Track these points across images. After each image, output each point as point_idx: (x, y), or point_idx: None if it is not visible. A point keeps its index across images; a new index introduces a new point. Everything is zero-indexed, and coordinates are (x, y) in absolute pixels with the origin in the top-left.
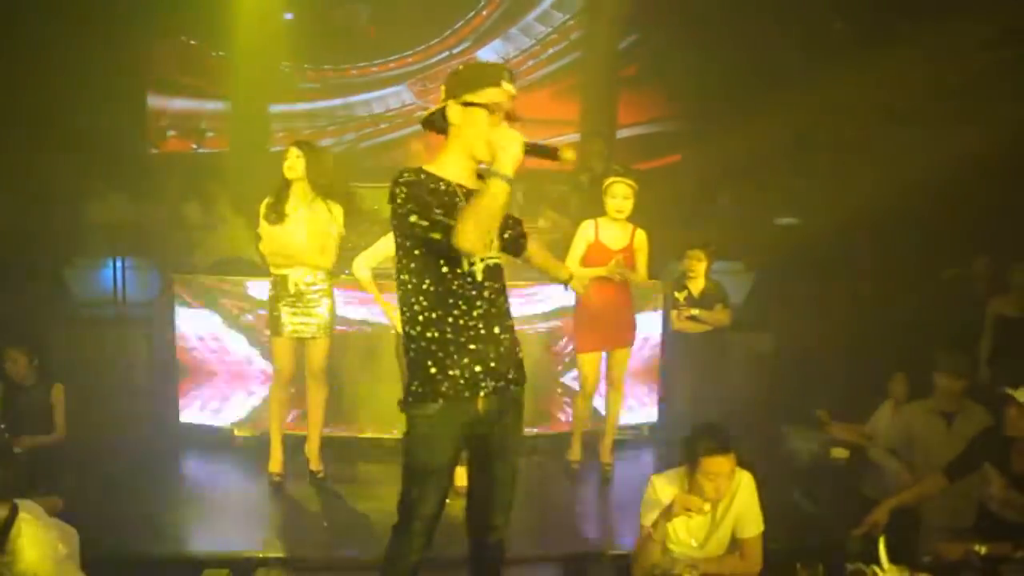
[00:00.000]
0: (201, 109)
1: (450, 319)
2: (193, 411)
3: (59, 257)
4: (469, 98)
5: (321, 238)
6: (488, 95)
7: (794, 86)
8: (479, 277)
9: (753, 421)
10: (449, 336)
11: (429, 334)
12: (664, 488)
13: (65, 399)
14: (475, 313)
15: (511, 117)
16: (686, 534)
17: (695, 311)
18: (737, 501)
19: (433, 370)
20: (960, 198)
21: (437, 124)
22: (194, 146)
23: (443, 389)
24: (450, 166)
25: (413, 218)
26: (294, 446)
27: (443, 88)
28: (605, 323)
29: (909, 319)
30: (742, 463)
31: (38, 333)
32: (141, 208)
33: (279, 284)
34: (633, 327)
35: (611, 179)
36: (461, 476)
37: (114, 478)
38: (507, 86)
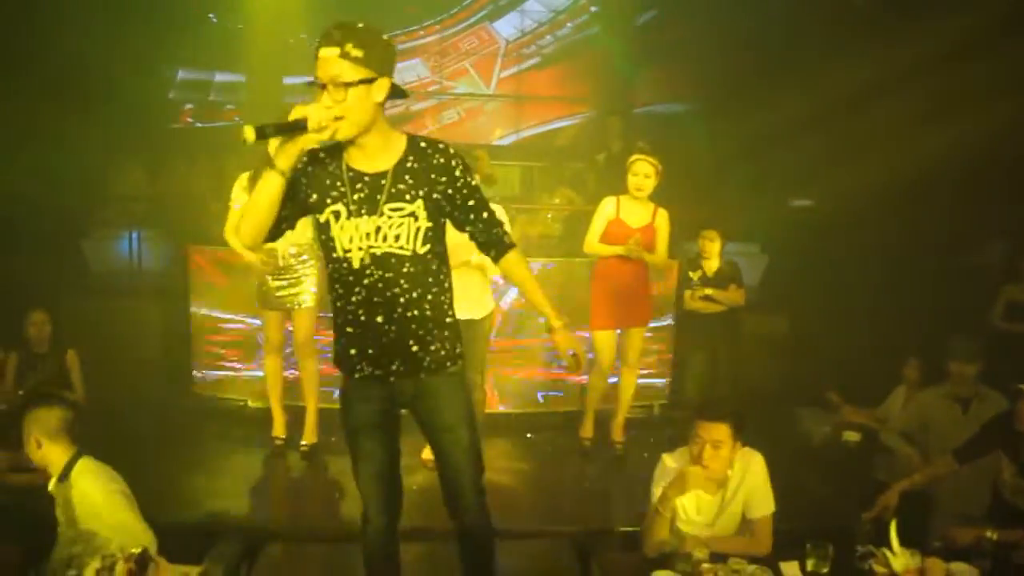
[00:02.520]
0: (217, 81)
1: (335, 301)
2: (206, 382)
3: (76, 228)
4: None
5: None
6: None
7: (813, 65)
8: (355, 264)
9: (765, 402)
10: (334, 315)
11: (333, 303)
12: (673, 466)
13: (80, 364)
14: (352, 299)
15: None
16: (696, 513)
17: (709, 291)
18: (747, 481)
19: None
20: (978, 183)
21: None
22: (218, 121)
23: (336, 359)
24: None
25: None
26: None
27: (367, 56)
28: (621, 301)
29: (923, 304)
30: (752, 443)
31: (53, 302)
32: (158, 180)
33: (268, 255)
34: (650, 306)
35: (634, 156)
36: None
37: (127, 448)
38: (325, 52)
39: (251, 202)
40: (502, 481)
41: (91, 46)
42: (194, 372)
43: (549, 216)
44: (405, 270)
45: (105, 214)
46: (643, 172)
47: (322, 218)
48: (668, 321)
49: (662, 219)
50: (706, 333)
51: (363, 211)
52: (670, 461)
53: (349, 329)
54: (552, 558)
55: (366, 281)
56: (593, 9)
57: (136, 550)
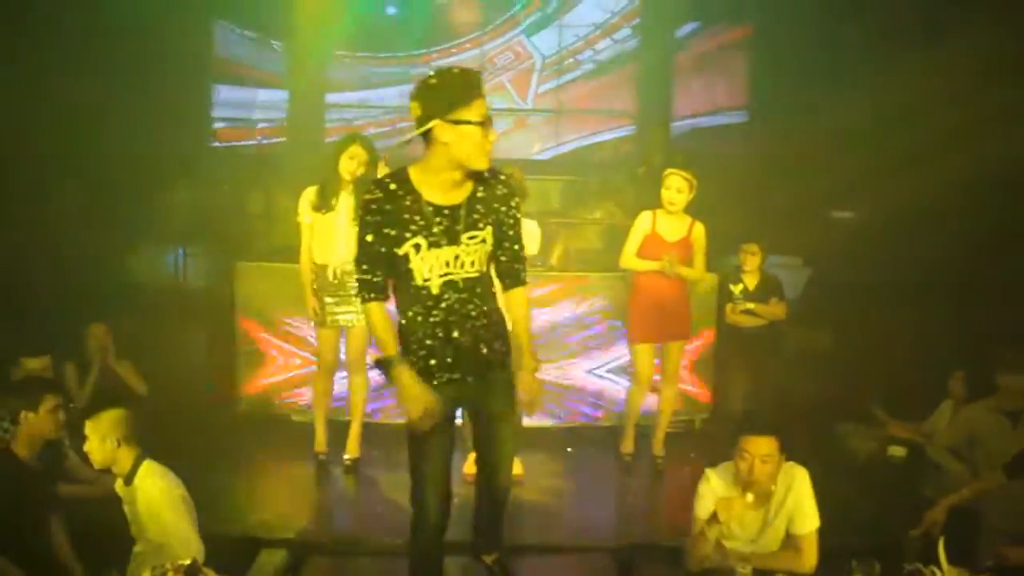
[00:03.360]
0: (259, 99)
1: (410, 321)
2: (252, 397)
3: (123, 244)
4: (458, 116)
5: None
6: (477, 108)
7: (857, 75)
8: (434, 291)
9: (809, 417)
10: (407, 333)
11: (401, 320)
12: (717, 481)
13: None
14: (431, 319)
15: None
16: (739, 528)
17: (750, 304)
18: (791, 496)
19: (403, 348)
20: None
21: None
22: (258, 138)
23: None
24: (429, 178)
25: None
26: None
27: (418, 105)
28: (660, 315)
29: (970, 316)
30: (796, 459)
31: (104, 316)
32: (203, 197)
33: (320, 274)
34: (689, 320)
35: (668, 170)
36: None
37: (174, 459)
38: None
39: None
40: (543, 496)
41: (135, 61)
42: (239, 386)
43: (590, 230)
44: (477, 290)
45: (151, 230)
46: (675, 186)
47: (401, 251)
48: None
49: (699, 233)
50: (748, 347)
51: (443, 242)
52: (714, 476)
53: (429, 342)
54: (594, 573)
55: (444, 304)
56: (634, 21)
57: (186, 561)
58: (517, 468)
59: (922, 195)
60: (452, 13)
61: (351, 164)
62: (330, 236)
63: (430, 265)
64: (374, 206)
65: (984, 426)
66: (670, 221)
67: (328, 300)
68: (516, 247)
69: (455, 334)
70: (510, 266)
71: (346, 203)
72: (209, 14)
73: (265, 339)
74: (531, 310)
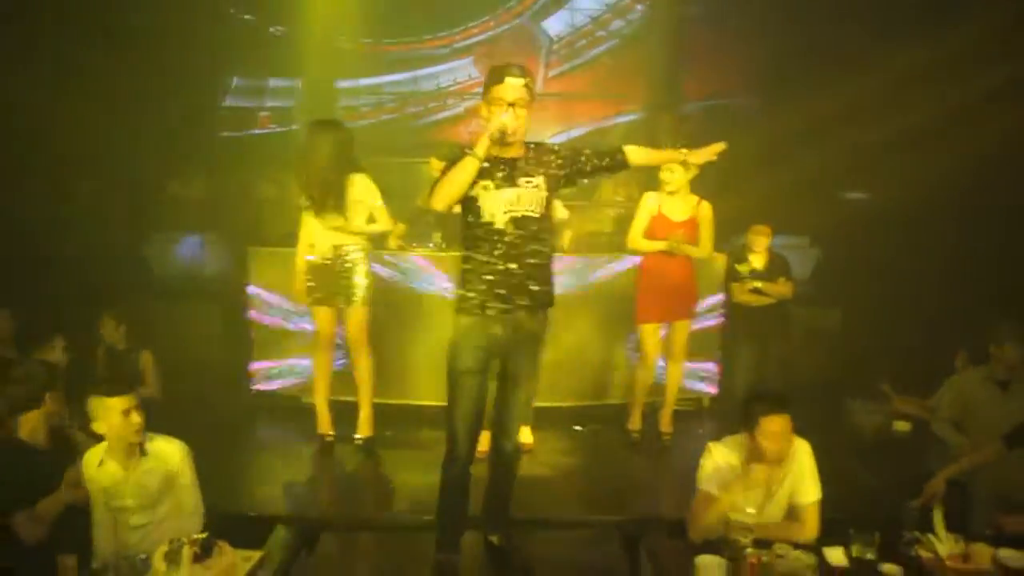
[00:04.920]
0: (269, 87)
1: (475, 257)
2: (265, 379)
3: (138, 233)
4: (488, 96)
5: (364, 208)
6: (501, 91)
7: (866, 54)
8: (498, 225)
9: (815, 394)
10: (470, 270)
11: (465, 265)
12: (721, 454)
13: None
14: (495, 253)
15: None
16: (743, 500)
17: (758, 283)
18: (795, 468)
19: (460, 291)
20: None
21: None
22: (272, 126)
23: (464, 304)
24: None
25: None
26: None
27: (533, 89)
28: (666, 295)
29: (978, 294)
30: (800, 432)
31: (120, 304)
32: (215, 185)
33: (312, 257)
34: (695, 299)
35: None
36: (484, 441)
37: (189, 439)
38: (512, 80)
39: (450, 180)
40: (550, 472)
41: (148, 52)
42: (251, 368)
43: (603, 214)
44: (533, 228)
45: (165, 218)
46: (667, 166)
47: (472, 192)
48: (717, 315)
49: (705, 212)
50: (755, 326)
51: (504, 184)
52: (717, 449)
53: (488, 276)
54: (600, 546)
55: (507, 238)
56: (639, 7)
57: (202, 535)
58: (527, 436)
59: (930, 176)
60: None
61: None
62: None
63: (496, 203)
64: (454, 157)
65: (976, 395)
66: (676, 201)
67: (317, 278)
68: (588, 151)
69: (511, 266)
70: (607, 155)
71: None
72: (220, 3)
73: (276, 322)
74: None
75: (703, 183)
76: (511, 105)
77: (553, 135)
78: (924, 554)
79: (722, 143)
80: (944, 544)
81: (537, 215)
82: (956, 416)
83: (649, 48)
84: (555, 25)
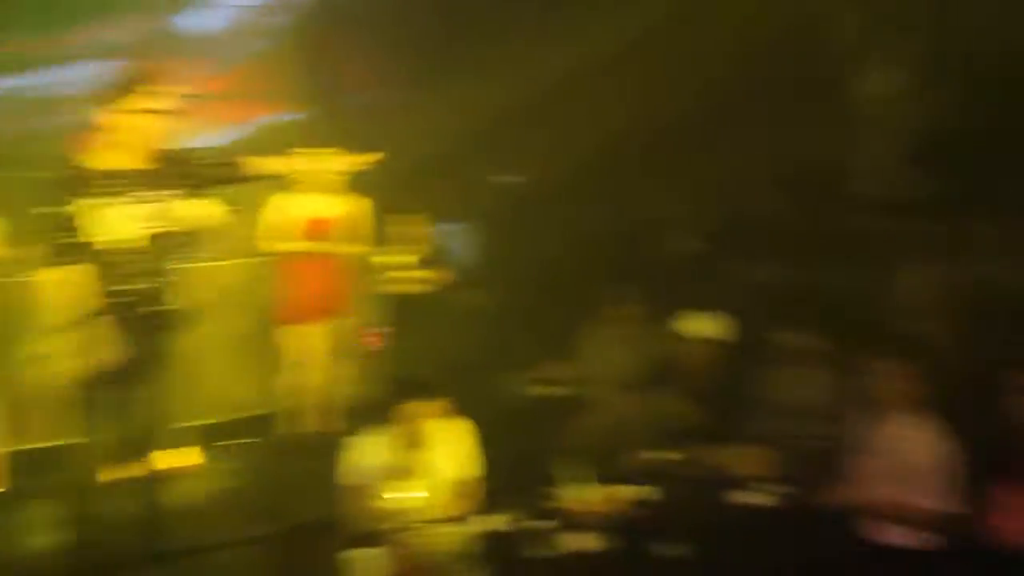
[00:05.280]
0: None
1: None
2: None
3: None
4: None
5: None
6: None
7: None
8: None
9: (474, 372)
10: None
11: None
12: (368, 445)
13: None
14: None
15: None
16: (397, 487)
17: (415, 272)
18: (450, 448)
19: None
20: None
21: None
22: None
23: None
24: None
25: None
26: None
27: None
28: (308, 295)
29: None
30: (458, 412)
31: None
32: None
33: None
34: (345, 297)
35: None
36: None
37: None
38: (146, 87)
39: None
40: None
41: None
42: None
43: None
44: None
45: None
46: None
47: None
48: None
49: (355, 208)
50: (413, 313)
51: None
52: (363, 442)
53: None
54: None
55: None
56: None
57: None
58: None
59: (579, 162)
60: None
61: None
62: None
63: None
64: None
65: (602, 350)
66: (322, 199)
67: None
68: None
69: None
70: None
71: None
72: None
73: None
74: None
75: (360, 177)
76: (148, 112)
77: (195, 139)
78: (565, 506)
79: (376, 154)
80: (579, 492)
81: (167, 230)
82: (597, 375)
83: (300, 47)
84: (198, 23)
